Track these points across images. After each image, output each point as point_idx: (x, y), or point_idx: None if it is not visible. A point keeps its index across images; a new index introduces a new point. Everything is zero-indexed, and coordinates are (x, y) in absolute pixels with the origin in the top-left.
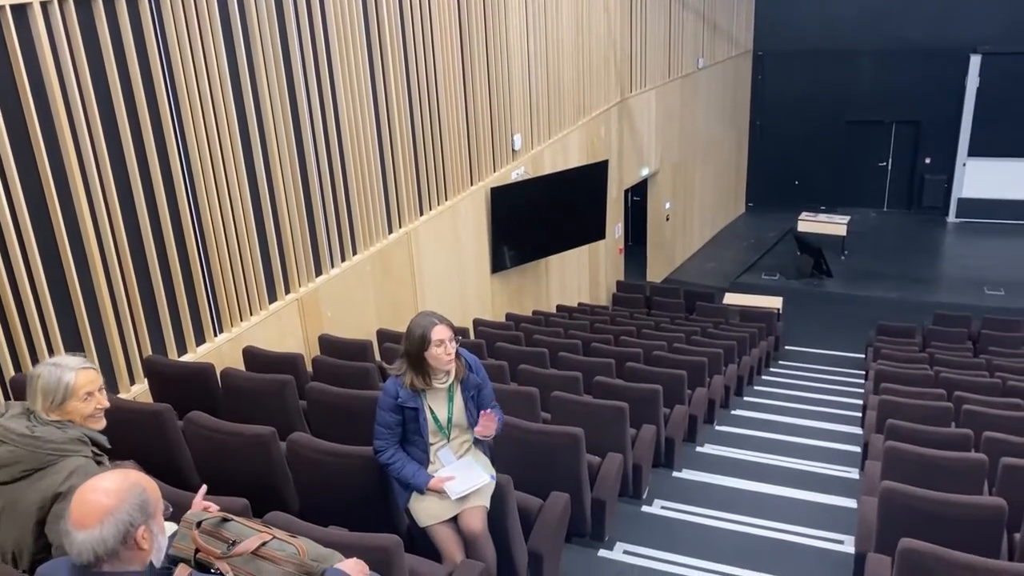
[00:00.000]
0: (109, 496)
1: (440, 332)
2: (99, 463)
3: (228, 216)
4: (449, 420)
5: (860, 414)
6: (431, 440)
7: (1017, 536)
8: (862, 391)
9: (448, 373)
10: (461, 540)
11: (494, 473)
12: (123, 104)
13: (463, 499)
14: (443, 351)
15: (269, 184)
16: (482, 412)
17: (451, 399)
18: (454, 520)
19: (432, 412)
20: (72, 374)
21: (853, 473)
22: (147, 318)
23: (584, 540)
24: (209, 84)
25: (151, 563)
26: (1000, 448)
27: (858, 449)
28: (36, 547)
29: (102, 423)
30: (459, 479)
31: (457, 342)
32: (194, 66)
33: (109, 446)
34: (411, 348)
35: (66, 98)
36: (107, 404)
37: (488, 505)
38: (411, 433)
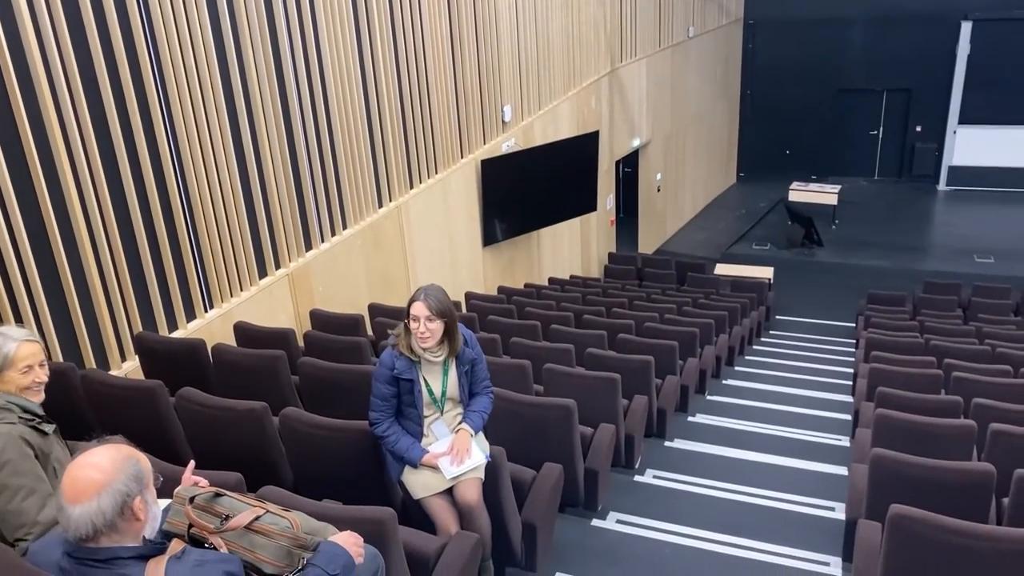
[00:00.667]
0: (103, 469)
1: (417, 308)
2: (38, 430)
3: (216, 191)
4: (443, 393)
5: (851, 382)
6: (425, 413)
7: (1005, 501)
8: (853, 359)
9: (442, 347)
10: (456, 511)
11: (488, 453)
12: (107, 78)
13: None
14: (416, 327)
15: (257, 159)
16: (451, 446)
17: (446, 372)
18: (448, 492)
19: (427, 384)
20: (14, 345)
21: (844, 441)
22: (136, 295)
23: (577, 510)
24: (195, 57)
25: (144, 537)
26: (989, 414)
27: (849, 417)
28: None
29: (40, 397)
30: (453, 458)
31: (445, 323)
32: (179, 39)
33: (43, 413)
34: (405, 313)
35: (48, 72)
36: (46, 379)
37: (483, 476)
38: (405, 405)
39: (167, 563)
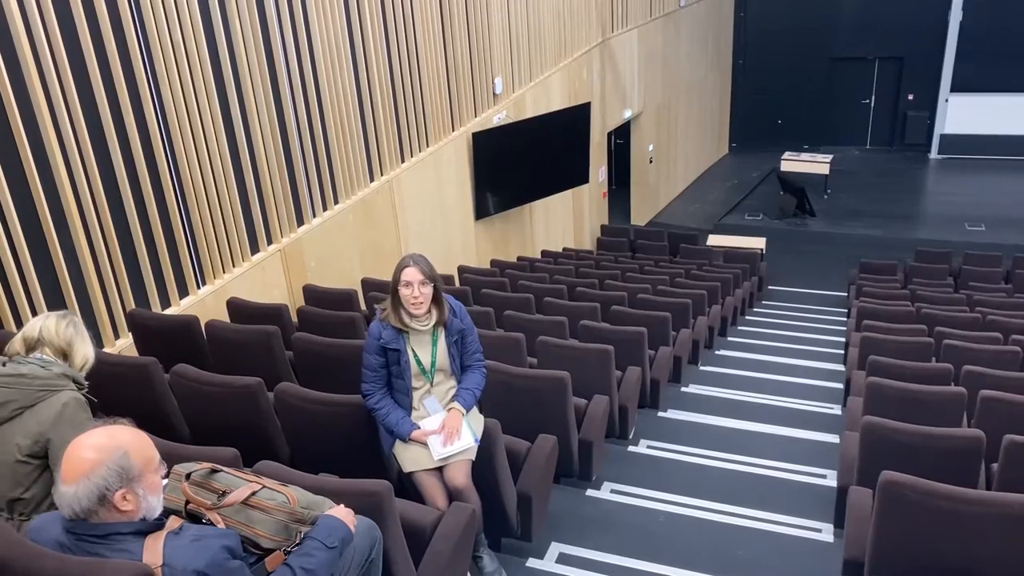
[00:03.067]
0: (89, 458)
1: (409, 274)
2: (88, 398)
3: (207, 167)
4: (432, 364)
5: (842, 351)
6: (414, 384)
7: (995, 466)
8: (844, 328)
9: (430, 315)
10: (445, 488)
11: (478, 436)
12: (94, 55)
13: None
14: (410, 293)
15: (247, 134)
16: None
17: (434, 343)
18: (439, 469)
19: (415, 355)
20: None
21: (836, 409)
22: (129, 272)
23: (572, 480)
24: (182, 33)
25: (143, 518)
26: (979, 381)
27: (840, 386)
28: (27, 485)
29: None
30: (442, 438)
31: (435, 288)
32: (166, 14)
33: (86, 382)
34: (391, 286)
35: (35, 50)
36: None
37: (473, 458)
38: (394, 377)
39: (165, 538)
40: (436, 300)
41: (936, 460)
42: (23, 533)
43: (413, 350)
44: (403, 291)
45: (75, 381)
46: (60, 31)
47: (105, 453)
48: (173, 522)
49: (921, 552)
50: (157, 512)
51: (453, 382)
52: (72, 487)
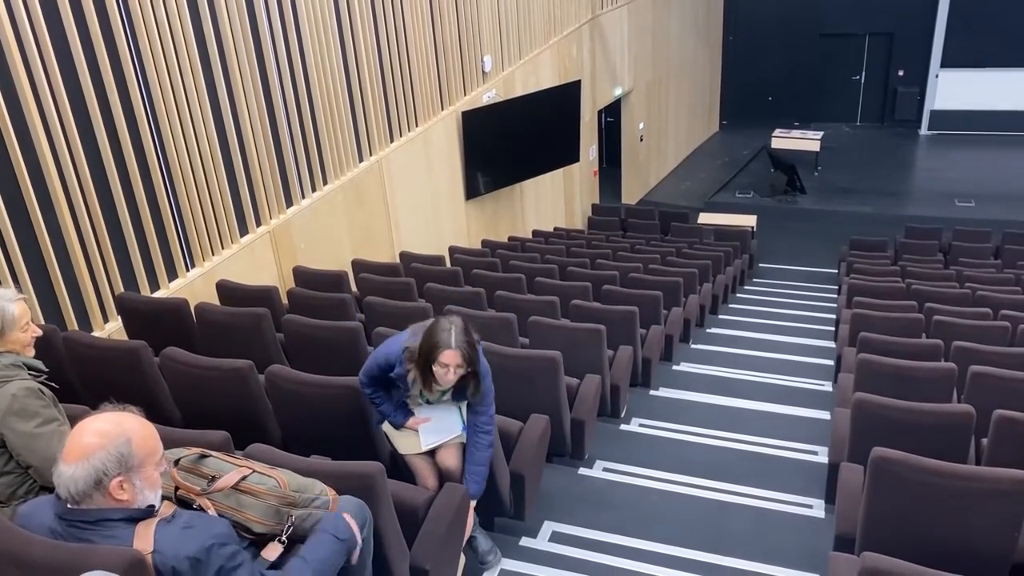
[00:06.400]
0: (93, 441)
1: (449, 357)
2: (46, 384)
3: (194, 149)
4: (436, 402)
5: (833, 328)
6: (412, 404)
7: (984, 441)
8: (835, 305)
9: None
10: (436, 470)
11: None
12: (78, 36)
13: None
14: (445, 373)
15: (234, 115)
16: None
17: (443, 392)
18: (431, 452)
19: (421, 393)
20: (13, 305)
21: (827, 386)
22: (117, 256)
23: (565, 459)
24: (167, 13)
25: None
26: (969, 357)
27: (831, 363)
28: None
29: (33, 351)
30: (434, 426)
31: (473, 369)
32: None
33: (46, 369)
34: (423, 349)
35: (16, 31)
36: (40, 333)
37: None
38: (394, 388)
39: (156, 526)
40: (471, 376)
41: (926, 436)
42: (12, 520)
43: (421, 390)
44: (438, 370)
45: (32, 369)
46: (41, 9)
47: (107, 438)
48: (166, 508)
49: (912, 527)
50: (153, 503)
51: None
52: (70, 468)
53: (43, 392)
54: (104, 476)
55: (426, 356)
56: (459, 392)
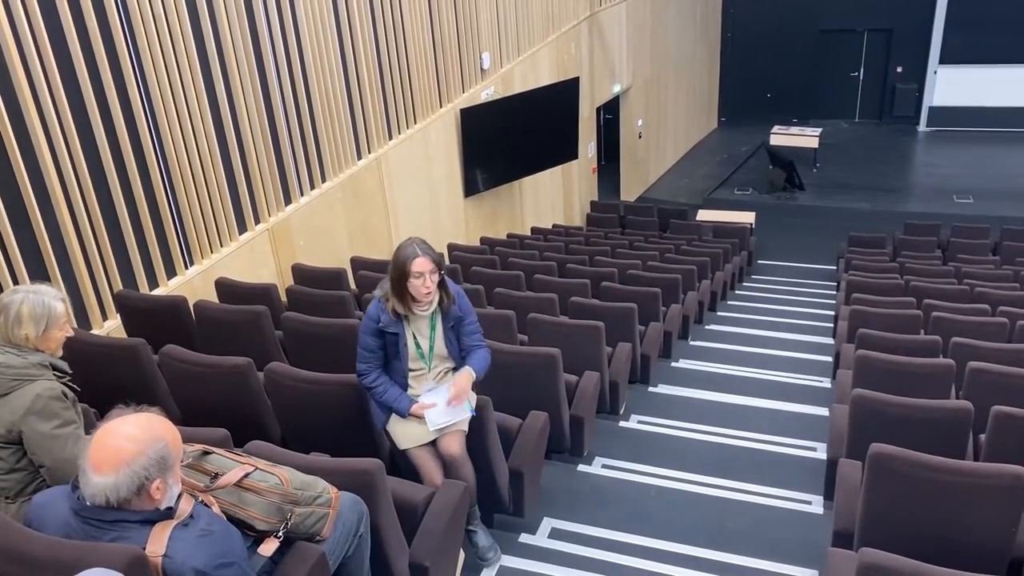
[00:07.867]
0: (130, 447)
1: (420, 264)
2: (69, 387)
3: (192, 146)
4: (431, 349)
5: (832, 325)
6: (412, 367)
7: (982, 437)
8: (834, 302)
9: (431, 302)
10: (440, 463)
11: (474, 408)
12: (75, 33)
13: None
14: (422, 283)
15: (232, 112)
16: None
17: (433, 327)
18: (432, 443)
19: (415, 338)
20: (60, 304)
21: (825, 382)
22: (116, 254)
23: (563, 456)
24: (164, 9)
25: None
26: (967, 353)
27: (830, 359)
28: (7, 469)
29: (61, 352)
30: (440, 410)
31: (441, 274)
32: None
33: (70, 371)
34: (394, 275)
35: (14, 27)
36: (72, 334)
37: (466, 429)
38: (391, 358)
39: (172, 530)
40: (442, 283)
41: (925, 431)
42: (19, 515)
43: (413, 334)
44: (414, 282)
45: (57, 370)
46: (40, 9)
47: (144, 444)
48: (185, 507)
49: (910, 523)
50: (173, 500)
51: (450, 363)
52: (110, 476)
53: (66, 395)
54: (146, 481)
55: (399, 275)
56: (446, 318)
